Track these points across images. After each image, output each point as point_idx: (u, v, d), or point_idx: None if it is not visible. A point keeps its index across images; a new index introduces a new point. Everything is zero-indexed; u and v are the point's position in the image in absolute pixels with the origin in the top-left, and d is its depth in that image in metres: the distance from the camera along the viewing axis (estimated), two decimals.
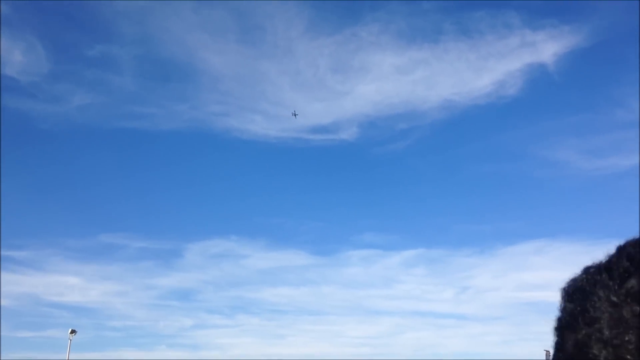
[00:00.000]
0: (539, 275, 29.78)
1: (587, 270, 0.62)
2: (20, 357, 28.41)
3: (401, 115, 30.12)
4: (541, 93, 29.73)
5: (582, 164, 28.82)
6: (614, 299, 0.56)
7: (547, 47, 27.93)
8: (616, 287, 0.56)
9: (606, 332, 0.54)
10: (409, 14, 31.18)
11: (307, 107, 32.23)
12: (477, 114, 29.47)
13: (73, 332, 25.71)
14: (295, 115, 28.70)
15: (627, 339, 0.53)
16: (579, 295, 0.59)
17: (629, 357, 0.52)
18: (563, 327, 0.60)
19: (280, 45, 31.28)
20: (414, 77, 31.14)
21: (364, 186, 33.18)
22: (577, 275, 0.62)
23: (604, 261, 0.61)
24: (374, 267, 31.19)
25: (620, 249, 0.61)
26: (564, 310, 0.61)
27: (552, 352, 0.62)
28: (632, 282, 0.55)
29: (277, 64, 32.34)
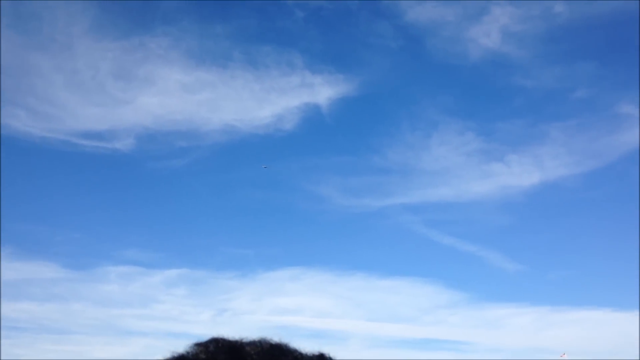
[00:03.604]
0: (291, 300, 32.87)
1: None
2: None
3: (182, 133, 31.19)
4: (314, 132, 33.44)
5: (340, 201, 32.63)
6: None
7: (323, 90, 31.28)
8: None
9: None
10: (200, 34, 32.51)
11: (81, 110, 31.29)
12: (256, 142, 32.11)
13: None
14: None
15: None
16: None
17: None
18: None
19: (58, 39, 30.77)
20: (199, 98, 32.53)
21: (134, 200, 33.92)
22: None
23: None
24: (133, 285, 31.31)
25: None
26: None
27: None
28: None
29: (52, 59, 31.42)
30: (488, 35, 29.95)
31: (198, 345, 0.57)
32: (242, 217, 34.66)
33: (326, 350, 0.58)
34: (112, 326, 31.84)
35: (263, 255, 33.33)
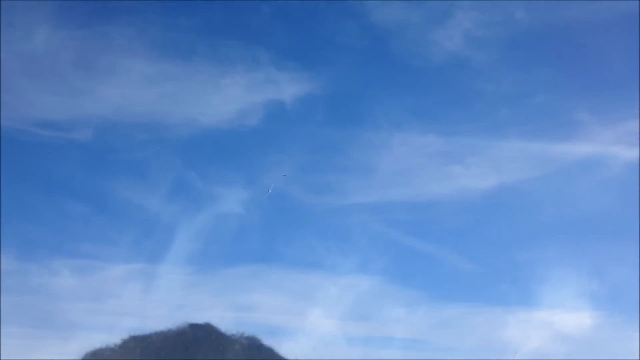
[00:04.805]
0: (249, 297, 33.16)
1: None
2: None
3: (144, 125, 31.01)
4: (278, 128, 33.51)
5: (301, 198, 32.56)
6: None
7: (288, 87, 31.43)
8: None
9: None
10: (165, 26, 32.41)
11: (38, 99, 31.20)
12: (219, 137, 32.16)
13: None
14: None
15: None
16: None
17: None
18: None
19: (18, 26, 30.96)
20: (162, 90, 32.35)
21: (90, 192, 33.93)
22: None
23: None
24: (88, 279, 29.81)
25: None
26: None
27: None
28: None
29: (11, 46, 31.87)
30: (451, 38, 30.51)
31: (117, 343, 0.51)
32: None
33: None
34: (65, 321, 31.15)
35: (222, 251, 33.21)
